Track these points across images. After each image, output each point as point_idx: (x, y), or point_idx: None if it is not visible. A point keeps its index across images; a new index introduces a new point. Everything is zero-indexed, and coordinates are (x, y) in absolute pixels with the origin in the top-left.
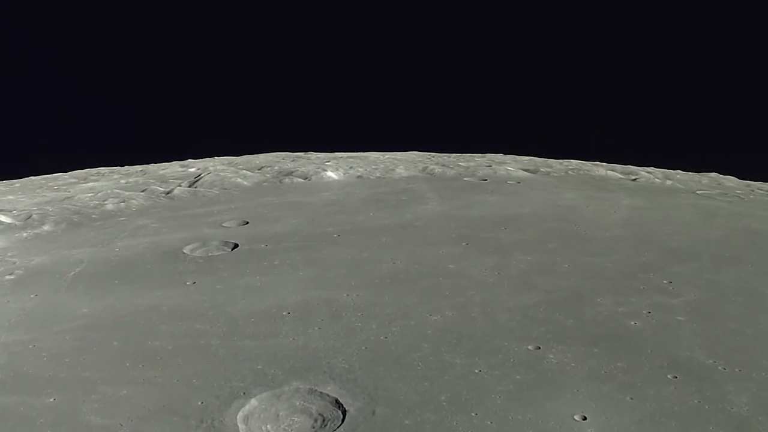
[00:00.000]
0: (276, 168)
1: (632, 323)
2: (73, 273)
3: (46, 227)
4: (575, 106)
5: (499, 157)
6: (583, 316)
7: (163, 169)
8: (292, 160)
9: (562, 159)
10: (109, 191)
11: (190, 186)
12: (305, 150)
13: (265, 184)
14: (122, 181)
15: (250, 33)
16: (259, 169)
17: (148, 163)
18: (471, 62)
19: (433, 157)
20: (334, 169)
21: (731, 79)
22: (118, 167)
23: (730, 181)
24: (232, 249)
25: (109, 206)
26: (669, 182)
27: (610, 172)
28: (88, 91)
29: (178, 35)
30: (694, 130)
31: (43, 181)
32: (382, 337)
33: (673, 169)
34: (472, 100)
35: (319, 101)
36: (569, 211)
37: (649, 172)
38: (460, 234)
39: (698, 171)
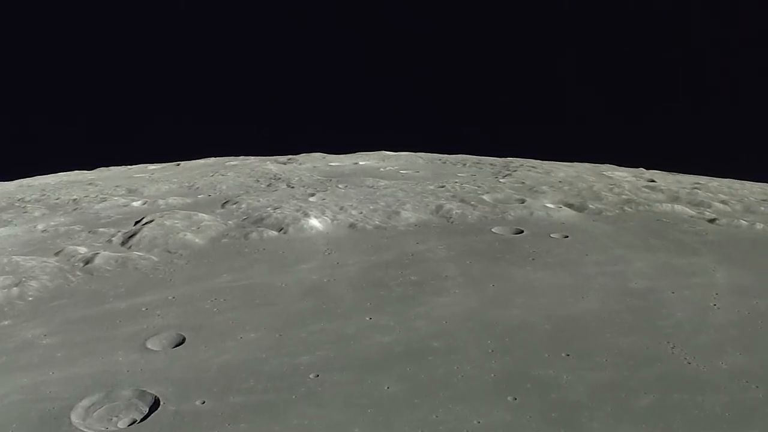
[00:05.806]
0: (244, 206)
1: None
2: None
3: None
4: (575, 105)
5: (529, 174)
6: None
7: (103, 200)
8: (268, 185)
9: (605, 165)
10: (5, 260)
11: (123, 243)
12: (302, 151)
13: (224, 240)
14: (40, 226)
15: (252, 32)
16: (222, 206)
17: (148, 162)
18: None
19: (444, 165)
20: (319, 212)
21: (739, 80)
22: (59, 180)
23: None
24: (150, 412)
25: None
26: (759, 225)
27: (677, 207)
28: (89, 91)
29: (178, 35)
30: (696, 130)
31: None
32: None
33: (692, 173)
34: (469, 99)
35: (326, 102)
36: (651, 305)
37: (722, 202)
38: (502, 371)
39: (709, 174)
